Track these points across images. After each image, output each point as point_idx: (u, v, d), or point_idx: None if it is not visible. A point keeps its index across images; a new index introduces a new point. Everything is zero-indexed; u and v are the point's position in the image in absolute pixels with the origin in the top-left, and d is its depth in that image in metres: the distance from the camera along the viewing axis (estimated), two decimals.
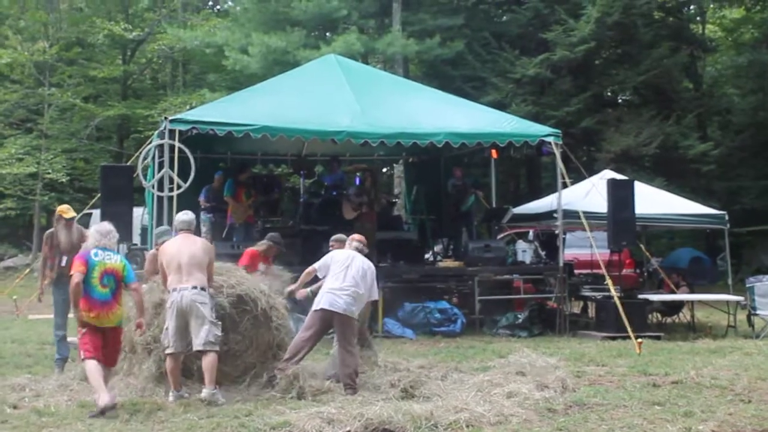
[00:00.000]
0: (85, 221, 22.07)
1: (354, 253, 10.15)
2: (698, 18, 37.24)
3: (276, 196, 18.35)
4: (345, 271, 9.86)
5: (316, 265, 10.13)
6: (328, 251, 10.78)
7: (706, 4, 36.02)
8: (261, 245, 12.71)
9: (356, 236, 10.53)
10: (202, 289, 9.05)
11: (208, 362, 8.86)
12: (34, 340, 13.78)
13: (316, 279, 10.26)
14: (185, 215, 9.76)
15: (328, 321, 9.80)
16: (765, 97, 32.84)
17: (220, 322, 9.12)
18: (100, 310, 8.76)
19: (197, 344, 8.93)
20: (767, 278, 15.96)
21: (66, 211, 11.30)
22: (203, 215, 16.43)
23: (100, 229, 9.24)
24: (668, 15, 33.00)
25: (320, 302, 9.73)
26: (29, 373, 10.56)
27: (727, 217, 18.11)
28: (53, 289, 10.97)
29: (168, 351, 9.05)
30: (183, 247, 9.25)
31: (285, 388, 9.19)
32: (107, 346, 8.95)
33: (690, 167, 28.87)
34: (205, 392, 8.73)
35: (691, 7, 36.12)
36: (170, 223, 13.34)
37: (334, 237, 11.33)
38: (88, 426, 7.83)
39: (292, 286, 10.42)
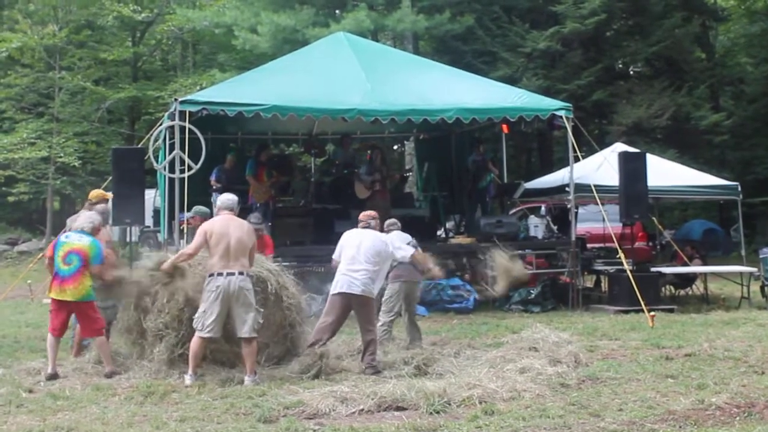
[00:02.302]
0: None
1: (364, 232, 10.14)
2: None
3: (291, 175, 18.37)
4: (356, 251, 9.85)
5: (334, 255, 10.10)
6: (341, 230, 10.88)
7: None
8: None
9: (364, 214, 10.48)
10: (248, 275, 9.08)
11: (251, 350, 8.97)
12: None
13: None
14: (230, 195, 9.79)
15: (348, 304, 9.81)
16: None
17: (262, 309, 9.22)
18: (60, 284, 9.43)
19: (244, 332, 8.98)
20: None
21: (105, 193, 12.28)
22: (214, 196, 16.44)
23: (87, 214, 10.21)
24: None
25: (336, 286, 9.74)
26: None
27: (739, 188, 18.02)
28: None
29: (204, 335, 8.98)
30: (232, 229, 9.19)
31: (308, 365, 9.25)
32: (81, 320, 9.70)
33: (702, 138, 28.75)
34: (248, 380, 8.79)
35: None
36: (182, 204, 13.43)
37: (388, 222, 11.51)
38: (102, 409, 7.88)
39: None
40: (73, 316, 9.89)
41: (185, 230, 13.28)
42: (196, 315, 9.10)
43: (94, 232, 9.79)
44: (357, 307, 9.84)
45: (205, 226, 9.36)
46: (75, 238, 9.57)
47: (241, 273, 8.98)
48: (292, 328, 9.92)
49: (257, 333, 9.08)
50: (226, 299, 8.94)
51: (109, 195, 12.46)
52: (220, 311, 8.96)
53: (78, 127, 33.77)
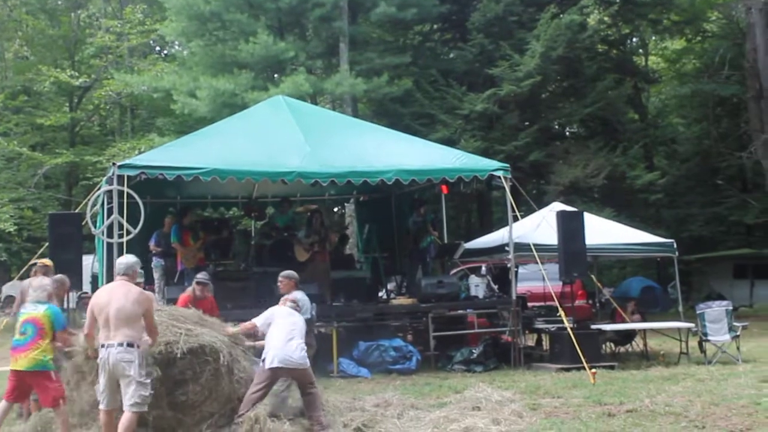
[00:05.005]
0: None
1: (291, 310, 10.11)
2: (641, 50, 38.13)
3: (226, 235, 18.20)
4: (291, 326, 9.80)
5: (257, 322, 10.00)
6: (276, 295, 10.83)
7: (647, 36, 36.81)
8: (191, 289, 12.43)
9: (289, 297, 10.44)
10: (129, 345, 8.45)
11: (124, 423, 8.38)
12: None
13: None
14: (125, 258, 9.22)
15: (280, 376, 9.71)
16: (709, 125, 33.48)
17: (149, 380, 8.57)
18: (14, 353, 9.20)
19: (124, 404, 8.48)
20: (717, 304, 16.17)
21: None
22: (155, 260, 16.26)
23: (33, 284, 9.80)
24: (611, 48, 33.67)
25: (274, 360, 9.51)
26: None
27: (675, 245, 18.30)
28: None
29: (100, 407, 8.66)
30: (113, 298, 8.65)
31: (246, 431, 9.06)
32: (37, 390, 9.37)
33: (638, 197, 29.29)
34: None
35: (634, 39, 36.95)
36: None
37: (283, 274, 11.32)
38: None
39: (231, 329, 10.25)
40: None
41: None
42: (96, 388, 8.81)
43: (49, 299, 9.54)
44: (297, 378, 9.75)
45: (92, 300, 8.98)
46: (31, 308, 9.35)
47: (121, 344, 8.42)
48: (240, 402, 9.70)
49: (142, 407, 8.47)
50: (109, 371, 8.49)
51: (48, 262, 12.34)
52: (107, 383, 8.55)
53: (14, 193, 33.35)
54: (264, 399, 9.65)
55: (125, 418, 8.38)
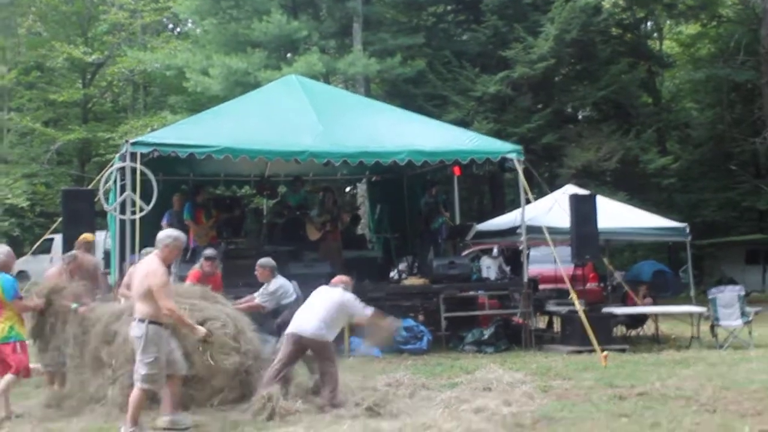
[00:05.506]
0: (47, 246, 21.89)
1: (333, 288, 10.08)
2: (655, 34, 37.96)
3: (238, 213, 18.20)
4: (317, 299, 9.86)
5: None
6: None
7: (662, 20, 36.63)
8: (200, 265, 12.43)
9: (338, 278, 10.39)
10: (141, 320, 8.35)
11: (131, 398, 8.37)
12: None
13: None
14: (161, 233, 9.02)
15: (299, 346, 9.69)
16: (722, 110, 33.33)
17: (149, 360, 8.30)
18: None
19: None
20: (729, 289, 16.13)
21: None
22: None
23: None
24: (626, 31, 33.53)
25: (290, 328, 9.65)
26: None
27: (688, 230, 18.25)
28: None
29: None
30: (136, 273, 8.76)
31: (258, 409, 9.05)
32: (5, 360, 9.48)
33: (651, 181, 29.20)
34: (122, 431, 8.29)
35: (648, 23, 36.79)
36: (133, 246, 13.29)
37: (259, 262, 11.45)
38: None
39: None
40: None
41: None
42: None
43: (2, 268, 9.54)
44: (312, 350, 9.77)
45: None
46: None
47: (135, 319, 8.43)
48: (248, 375, 9.75)
49: (144, 384, 8.32)
50: None
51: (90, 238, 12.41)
52: None
53: (27, 168, 33.42)
54: (283, 374, 9.63)
55: (132, 393, 8.41)
